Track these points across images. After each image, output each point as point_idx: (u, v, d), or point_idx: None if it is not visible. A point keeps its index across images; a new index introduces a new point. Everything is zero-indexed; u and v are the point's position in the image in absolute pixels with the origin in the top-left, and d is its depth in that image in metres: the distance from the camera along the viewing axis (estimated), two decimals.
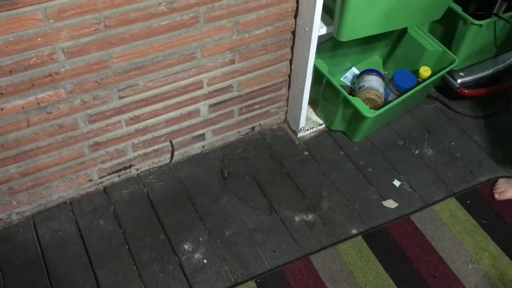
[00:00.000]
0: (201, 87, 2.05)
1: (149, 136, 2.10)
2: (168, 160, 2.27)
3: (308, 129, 2.43)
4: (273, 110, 2.38)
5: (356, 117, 2.24)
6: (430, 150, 2.36)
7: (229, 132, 2.34)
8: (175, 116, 2.10)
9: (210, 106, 2.15)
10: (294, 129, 2.43)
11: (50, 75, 1.67)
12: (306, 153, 2.35)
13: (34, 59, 1.59)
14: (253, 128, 2.40)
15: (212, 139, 2.32)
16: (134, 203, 2.12)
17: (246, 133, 2.41)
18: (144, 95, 1.93)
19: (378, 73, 2.46)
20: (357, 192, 2.20)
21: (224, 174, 2.23)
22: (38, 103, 1.71)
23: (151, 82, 1.90)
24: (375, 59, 2.69)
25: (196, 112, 2.14)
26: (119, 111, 1.92)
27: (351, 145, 2.39)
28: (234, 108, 2.24)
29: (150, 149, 2.17)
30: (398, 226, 2.08)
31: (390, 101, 2.41)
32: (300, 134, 2.41)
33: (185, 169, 2.26)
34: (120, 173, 2.18)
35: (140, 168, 2.22)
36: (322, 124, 2.46)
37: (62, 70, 1.68)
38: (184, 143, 2.24)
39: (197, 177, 2.23)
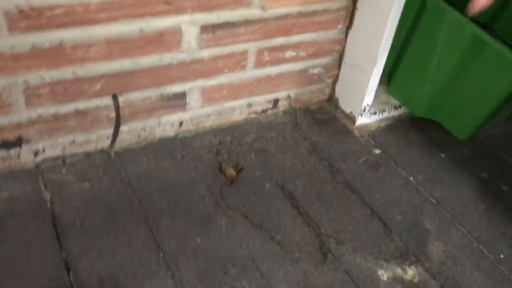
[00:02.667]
0: None
1: (65, 71, 0.95)
2: (108, 143, 1.10)
3: (376, 112, 1.32)
4: (315, 71, 1.28)
5: (487, 86, 1.17)
6: None
7: (233, 102, 1.21)
8: (127, 34, 0.96)
9: (204, 28, 1.04)
10: (349, 111, 1.31)
11: None
12: (377, 151, 1.23)
13: None
14: (275, 102, 1.28)
15: (199, 111, 1.18)
16: (18, 223, 0.92)
17: (264, 111, 1.28)
18: None
19: None
20: (492, 226, 1.07)
21: (229, 173, 1.07)
22: None
23: None
24: None
25: (174, 35, 1.01)
26: None
27: (455, 144, 1.29)
28: (249, 46, 1.12)
29: (69, 107, 1.00)
30: None
31: None
32: (360, 121, 1.30)
33: (140, 163, 1.09)
34: None
35: (43, 151, 1.04)
36: (399, 106, 1.36)
37: None
38: (144, 107, 1.09)
39: (165, 178, 1.06)
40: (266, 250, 0.95)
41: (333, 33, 1.23)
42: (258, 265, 0.92)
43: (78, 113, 1.02)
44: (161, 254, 0.91)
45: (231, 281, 0.88)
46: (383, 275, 0.94)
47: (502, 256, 1.01)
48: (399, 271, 0.95)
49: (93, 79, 0.99)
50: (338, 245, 0.98)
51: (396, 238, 1.01)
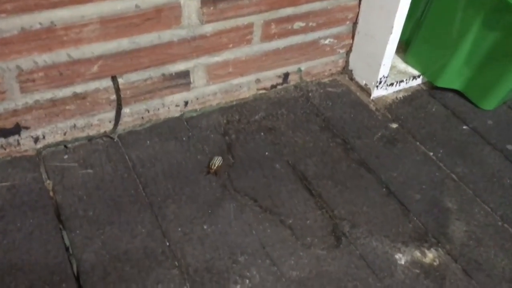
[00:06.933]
0: None
1: (59, 54, 0.90)
2: (111, 127, 1.06)
3: (392, 84, 1.24)
4: (326, 42, 1.20)
5: None
6: None
7: (240, 78, 1.15)
8: (122, 11, 0.90)
9: (205, 1, 0.97)
10: (364, 83, 1.24)
11: None
12: (394, 125, 1.16)
13: None
14: (285, 76, 1.22)
15: (204, 89, 1.12)
16: (19, 214, 0.89)
17: (273, 86, 1.22)
18: None
19: None
20: None
21: (213, 166, 1.02)
22: None
23: None
24: None
25: (173, 11, 0.95)
26: None
27: (478, 115, 1.21)
28: (254, 19, 1.06)
29: (66, 91, 0.96)
30: None
31: None
32: (376, 93, 1.23)
33: (144, 146, 1.05)
34: None
35: (43, 137, 1.01)
36: (418, 76, 1.28)
37: None
38: (146, 88, 1.04)
39: (171, 161, 1.02)
40: (276, 236, 0.90)
41: (345, 0, 1.15)
42: (268, 251, 0.88)
43: (76, 97, 0.98)
44: (167, 243, 0.87)
45: (240, 269, 0.84)
46: (401, 259, 0.89)
47: None
48: (417, 254, 0.90)
49: (89, 61, 0.94)
50: (353, 228, 0.93)
51: (415, 218, 0.96)
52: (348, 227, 0.93)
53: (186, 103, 1.12)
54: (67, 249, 0.85)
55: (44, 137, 1.00)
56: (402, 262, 0.88)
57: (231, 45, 1.07)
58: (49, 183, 0.95)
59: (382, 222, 0.95)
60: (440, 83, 1.24)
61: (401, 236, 0.92)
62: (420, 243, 0.92)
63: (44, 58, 0.89)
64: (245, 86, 1.17)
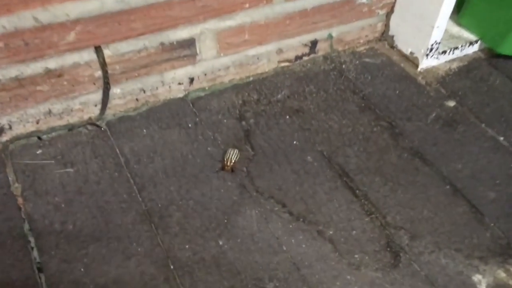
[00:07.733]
0: None
1: (22, 17, 0.67)
2: (97, 112, 0.84)
3: (445, 51, 1.01)
4: (363, 0, 0.97)
5: None
6: None
7: (258, 48, 0.92)
8: None
9: None
10: (410, 51, 1.01)
11: None
12: (450, 103, 0.93)
13: None
14: (313, 44, 0.98)
15: (214, 62, 0.89)
16: None
17: (298, 57, 0.99)
18: None
19: None
20: None
21: (229, 162, 0.79)
22: None
23: None
24: None
25: None
26: None
27: None
28: None
29: (35, 67, 0.73)
30: None
31: None
32: (425, 63, 1.00)
33: (140, 136, 0.83)
34: None
35: (9, 127, 0.79)
36: (475, 42, 1.04)
37: None
38: (140, 61, 0.82)
39: (174, 156, 0.80)
40: (314, 252, 0.69)
41: None
42: (304, 275, 0.66)
43: (49, 74, 0.75)
44: (171, 266, 0.66)
45: None
46: (481, 282, 0.67)
47: None
48: (502, 274, 0.68)
49: (64, 26, 0.71)
50: (413, 240, 0.71)
51: (492, 224, 0.74)
52: (407, 238, 0.71)
53: (191, 80, 0.90)
54: (39, 274, 0.64)
55: (10, 127, 0.78)
56: (483, 286, 0.67)
57: (247, 5, 0.84)
58: (17, 187, 0.74)
59: (451, 230, 0.73)
60: (503, 50, 1.01)
61: (478, 250, 0.71)
62: (502, 258, 0.70)
63: (2, 23, 0.66)
64: (264, 57, 0.94)
